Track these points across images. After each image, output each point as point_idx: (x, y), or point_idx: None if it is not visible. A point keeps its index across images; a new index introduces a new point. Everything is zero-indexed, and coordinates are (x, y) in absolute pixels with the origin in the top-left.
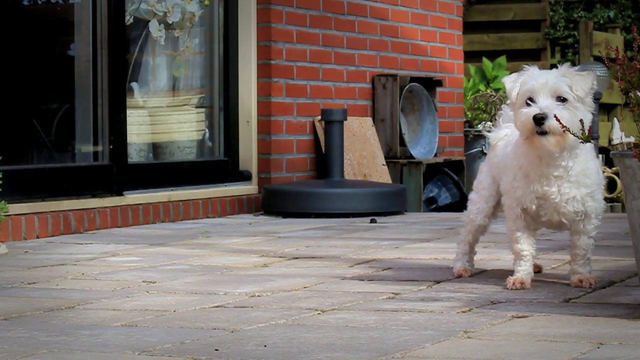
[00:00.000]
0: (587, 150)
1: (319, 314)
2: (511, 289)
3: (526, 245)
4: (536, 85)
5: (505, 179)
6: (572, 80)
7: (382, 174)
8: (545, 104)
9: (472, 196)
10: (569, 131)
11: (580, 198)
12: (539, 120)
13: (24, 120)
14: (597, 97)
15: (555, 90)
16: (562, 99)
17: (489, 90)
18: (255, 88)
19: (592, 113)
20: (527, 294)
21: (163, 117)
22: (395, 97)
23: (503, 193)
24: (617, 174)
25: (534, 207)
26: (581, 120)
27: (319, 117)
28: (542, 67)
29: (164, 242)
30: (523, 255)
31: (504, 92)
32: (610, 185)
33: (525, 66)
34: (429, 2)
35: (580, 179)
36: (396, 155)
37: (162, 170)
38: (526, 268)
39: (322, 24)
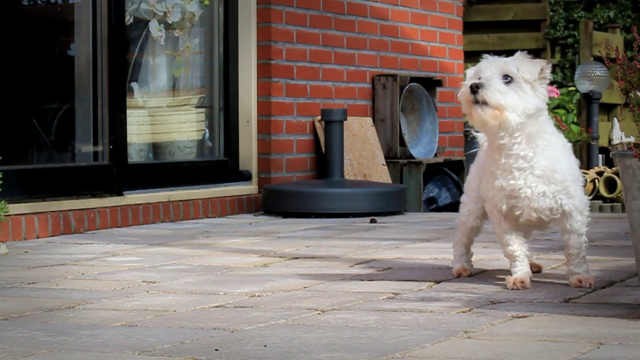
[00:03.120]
0: (558, 146)
1: (319, 314)
2: (512, 289)
3: (517, 246)
4: (483, 64)
5: (482, 183)
6: (520, 63)
7: (382, 174)
8: (486, 76)
9: (462, 198)
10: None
11: (552, 195)
12: (474, 88)
13: (24, 120)
14: (597, 97)
15: (501, 68)
16: (509, 79)
17: None
18: (255, 88)
19: (547, 103)
20: (527, 294)
21: (163, 117)
22: (395, 97)
23: (483, 198)
24: (617, 174)
25: (504, 207)
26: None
27: (319, 117)
28: None
29: (164, 242)
30: (516, 256)
31: None
32: (610, 185)
33: (485, 54)
34: (429, 2)
35: (548, 174)
36: (396, 155)
37: (162, 170)
38: (523, 267)
39: (322, 24)
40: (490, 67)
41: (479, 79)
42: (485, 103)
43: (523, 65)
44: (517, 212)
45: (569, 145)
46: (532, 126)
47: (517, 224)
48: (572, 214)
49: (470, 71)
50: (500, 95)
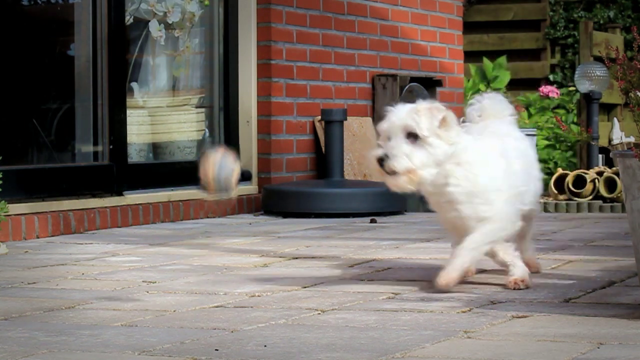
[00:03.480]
0: (477, 164)
1: (319, 314)
2: (514, 289)
3: (502, 252)
4: (386, 126)
5: None
6: (419, 117)
7: None
8: (392, 144)
9: None
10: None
11: (476, 216)
12: (380, 161)
13: (24, 120)
14: (597, 97)
15: (404, 127)
16: (413, 136)
17: (489, 90)
18: (255, 88)
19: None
20: (527, 294)
21: (163, 117)
22: (395, 97)
23: None
24: (617, 174)
25: (454, 235)
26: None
27: (319, 117)
28: (542, 67)
29: (164, 242)
30: (507, 261)
31: (504, 92)
32: (610, 185)
33: (389, 107)
34: (429, 2)
35: (469, 193)
36: None
37: (162, 170)
38: (519, 268)
39: (322, 24)
40: (393, 130)
41: (388, 138)
42: (395, 172)
43: (422, 121)
44: (463, 234)
45: (503, 149)
46: (450, 163)
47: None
48: (486, 219)
49: (382, 127)
50: (407, 158)
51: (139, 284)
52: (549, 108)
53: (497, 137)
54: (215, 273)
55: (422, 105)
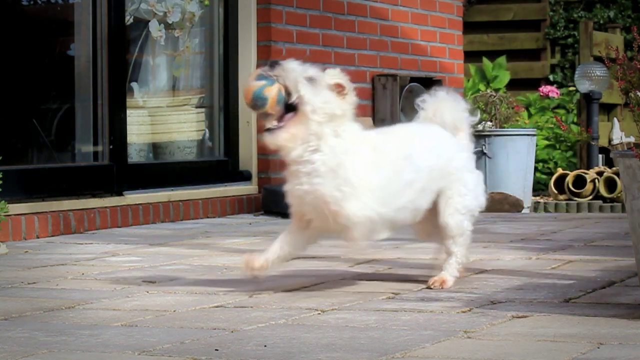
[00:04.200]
0: (348, 151)
1: (319, 314)
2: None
3: (277, 243)
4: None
5: None
6: (325, 72)
7: None
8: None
9: None
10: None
11: (332, 198)
12: (272, 63)
13: (24, 120)
14: (597, 97)
15: (305, 72)
16: (311, 81)
17: (488, 90)
18: None
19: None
20: (527, 294)
21: (163, 117)
22: (395, 97)
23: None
24: (617, 174)
25: (295, 208)
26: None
27: None
28: (542, 67)
29: (164, 242)
30: (267, 249)
31: (504, 92)
32: (610, 185)
33: None
34: (429, 2)
35: (330, 175)
36: None
37: (162, 170)
38: (258, 255)
39: (322, 24)
40: (295, 69)
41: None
42: (273, 75)
43: (327, 74)
44: (307, 217)
45: (379, 145)
46: (328, 128)
47: (309, 226)
48: (348, 220)
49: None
50: (299, 77)
51: (139, 284)
52: (549, 108)
53: (386, 134)
54: (215, 273)
55: (349, 84)
